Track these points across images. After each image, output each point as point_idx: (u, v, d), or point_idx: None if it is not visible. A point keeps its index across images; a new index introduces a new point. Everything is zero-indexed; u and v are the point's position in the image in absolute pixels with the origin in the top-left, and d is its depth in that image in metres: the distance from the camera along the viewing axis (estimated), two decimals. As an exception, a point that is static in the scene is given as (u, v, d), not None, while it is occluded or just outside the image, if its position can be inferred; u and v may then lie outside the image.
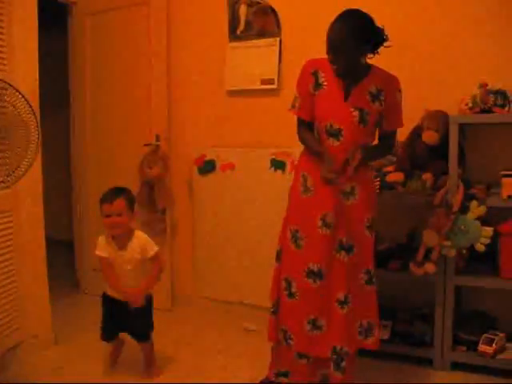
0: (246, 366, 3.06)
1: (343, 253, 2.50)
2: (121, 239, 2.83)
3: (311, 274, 2.50)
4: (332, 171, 2.41)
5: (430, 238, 2.85)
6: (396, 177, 3.02)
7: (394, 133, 2.62)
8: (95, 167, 4.30)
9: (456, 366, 2.96)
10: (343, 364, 2.53)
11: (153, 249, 2.87)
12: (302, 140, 2.60)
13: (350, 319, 2.52)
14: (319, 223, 2.49)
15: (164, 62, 3.86)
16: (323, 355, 2.54)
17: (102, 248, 2.83)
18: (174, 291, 4.09)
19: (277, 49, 3.64)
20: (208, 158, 3.91)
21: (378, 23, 2.39)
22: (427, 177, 2.97)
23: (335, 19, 2.34)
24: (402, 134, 3.12)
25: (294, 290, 2.57)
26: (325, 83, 2.48)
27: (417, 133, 3.05)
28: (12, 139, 2.39)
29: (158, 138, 3.81)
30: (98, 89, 4.22)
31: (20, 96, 2.38)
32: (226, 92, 3.88)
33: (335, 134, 2.45)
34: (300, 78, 2.56)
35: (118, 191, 2.83)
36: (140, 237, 2.87)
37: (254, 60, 3.72)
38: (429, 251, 2.89)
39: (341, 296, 2.50)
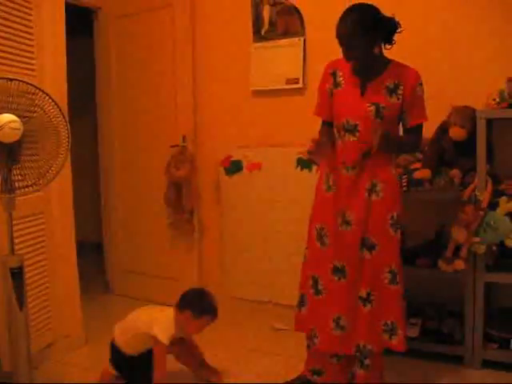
0: (278, 364, 3.07)
1: (365, 250, 2.49)
2: None
3: (337, 271, 2.52)
4: (314, 145, 2.40)
5: (458, 234, 2.83)
6: (423, 174, 3.00)
7: (419, 128, 2.54)
8: (123, 169, 4.36)
9: (487, 364, 2.93)
10: (367, 362, 2.53)
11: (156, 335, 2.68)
12: None
13: (373, 317, 2.50)
14: (339, 220, 2.52)
15: (189, 64, 3.91)
16: (348, 352, 2.54)
17: None
18: (203, 292, 4.09)
19: (301, 48, 3.64)
20: (234, 158, 3.93)
21: (400, 17, 2.39)
22: (455, 173, 2.94)
23: (341, 16, 2.38)
24: (429, 131, 3.10)
25: (320, 287, 2.58)
26: (342, 82, 2.53)
27: (444, 129, 3.03)
28: (42, 143, 2.42)
29: (184, 139, 3.85)
30: (124, 91, 4.27)
31: (50, 100, 2.41)
32: (251, 92, 3.89)
33: (351, 130, 2.48)
34: (321, 80, 2.63)
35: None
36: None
37: (279, 60, 3.73)
38: (458, 248, 2.86)
39: (363, 293, 2.50)
